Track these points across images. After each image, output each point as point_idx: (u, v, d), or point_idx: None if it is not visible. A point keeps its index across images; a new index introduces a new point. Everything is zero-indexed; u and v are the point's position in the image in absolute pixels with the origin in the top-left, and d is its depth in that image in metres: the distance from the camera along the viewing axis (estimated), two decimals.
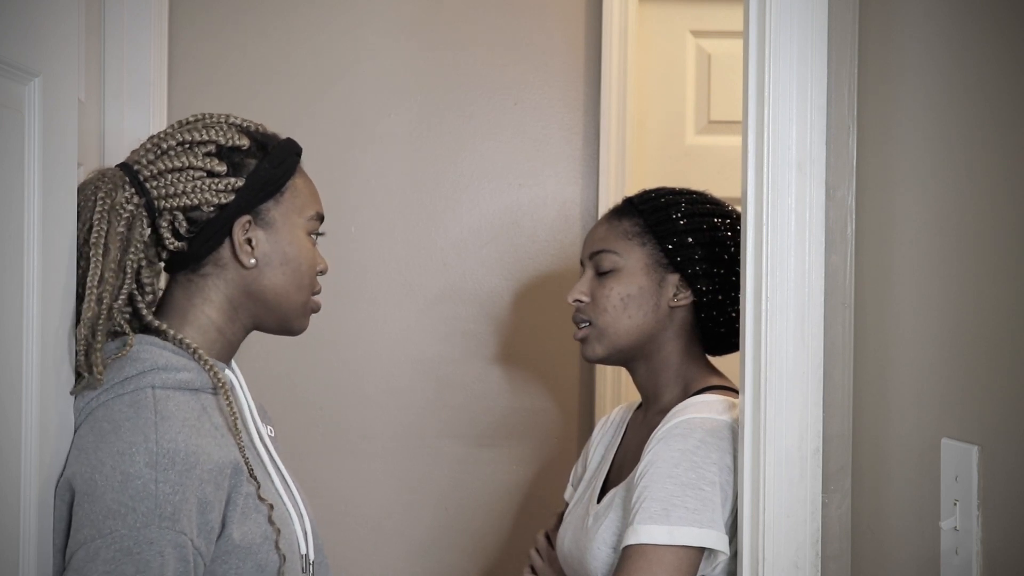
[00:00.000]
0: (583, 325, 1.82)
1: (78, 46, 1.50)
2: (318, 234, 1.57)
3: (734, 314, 1.79)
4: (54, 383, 1.36)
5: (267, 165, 1.50)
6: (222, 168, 1.48)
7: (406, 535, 2.50)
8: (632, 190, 2.55)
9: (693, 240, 1.78)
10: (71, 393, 1.40)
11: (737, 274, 1.77)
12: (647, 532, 1.61)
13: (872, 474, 1.42)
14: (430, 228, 2.49)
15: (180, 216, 1.47)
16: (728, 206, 1.85)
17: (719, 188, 2.88)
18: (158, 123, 2.20)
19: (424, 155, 2.49)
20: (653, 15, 2.91)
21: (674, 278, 1.79)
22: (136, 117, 2.13)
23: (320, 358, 2.45)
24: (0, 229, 1.25)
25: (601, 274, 1.81)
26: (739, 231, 1.77)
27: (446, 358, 2.50)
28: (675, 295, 1.79)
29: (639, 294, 1.78)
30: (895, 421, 1.35)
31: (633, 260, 1.79)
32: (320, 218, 1.57)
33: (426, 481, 2.50)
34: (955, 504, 1.17)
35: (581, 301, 1.82)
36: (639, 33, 2.76)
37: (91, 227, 1.42)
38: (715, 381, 1.79)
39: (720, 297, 1.78)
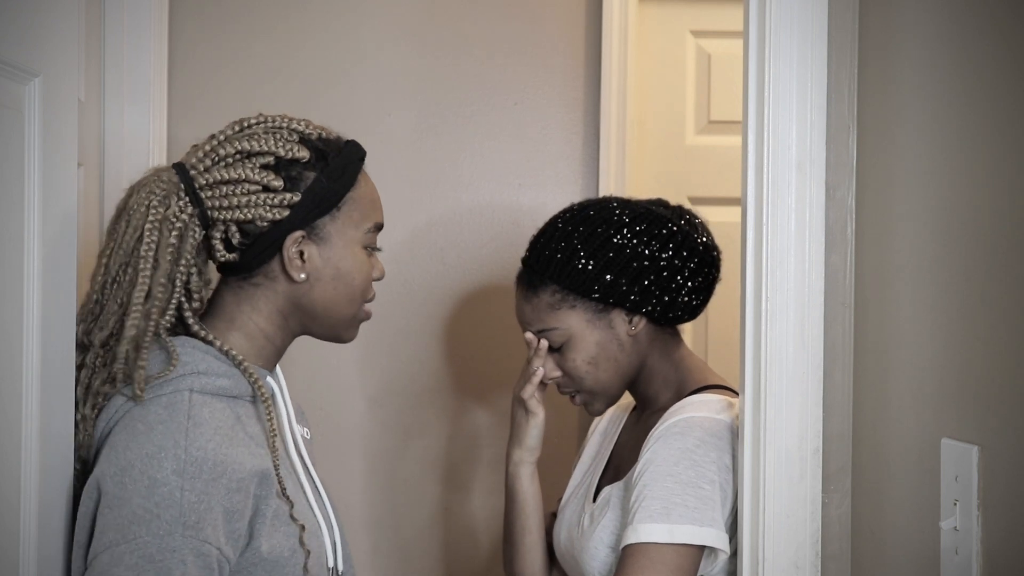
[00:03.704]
0: (571, 395, 1.84)
1: (78, 46, 1.50)
2: (375, 248, 1.54)
3: (687, 297, 1.78)
4: (54, 383, 1.36)
5: (325, 180, 1.47)
6: (278, 183, 1.44)
7: (405, 534, 2.50)
8: (632, 190, 2.55)
9: (612, 276, 1.75)
10: (109, 392, 1.40)
11: (665, 266, 1.76)
12: (647, 531, 1.61)
13: (872, 474, 1.42)
14: (430, 228, 2.49)
15: (233, 228, 1.45)
16: (617, 211, 1.79)
17: (719, 188, 2.91)
18: (158, 123, 2.20)
19: (424, 155, 2.49)
20: (653, 15, 2.91)
21: (618, 312, 1.78)
22: (136, 117, 2.14)
23: (320, 358, 2.45)
24: (0, 229, 1.25)
25: (554, 348, 1.80)
26: (640, 230, 1.76)
27: (445, 357, 2.50)
28: (629, 324, 1.78)
29: (599, 349, 1.78)
30: (895, 421, 1.35)
31: (574, 324, 1.77)
32: (378, 228, 1.54)
33: (425, 480, 2.50)
34: (955, 504, 1.17)
35: (557, 378, 1.82)
36: (639, 33, 2.76)
37: (141, 236, 1.40)
38: (708, 380, 1.79)
39: (667, 298, 1.77)
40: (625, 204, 1.81)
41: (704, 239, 1.81)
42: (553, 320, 1.78)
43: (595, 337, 1.77)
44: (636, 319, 1.78)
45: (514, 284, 1.86)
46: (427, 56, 2.48)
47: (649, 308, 1.77)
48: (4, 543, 1.26)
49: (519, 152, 2.50)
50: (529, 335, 1.82)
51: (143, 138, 2.14)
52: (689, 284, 1.77)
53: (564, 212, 1.83)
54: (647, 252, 1.75)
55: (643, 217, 1.78)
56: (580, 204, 1.84)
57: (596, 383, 1.80)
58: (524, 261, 1.84)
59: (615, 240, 1.76)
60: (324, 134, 1.51)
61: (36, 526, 1.32)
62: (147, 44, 2.15)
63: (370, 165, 2.48)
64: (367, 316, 1.56)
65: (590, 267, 1.75)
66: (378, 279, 1.55)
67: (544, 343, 1.81)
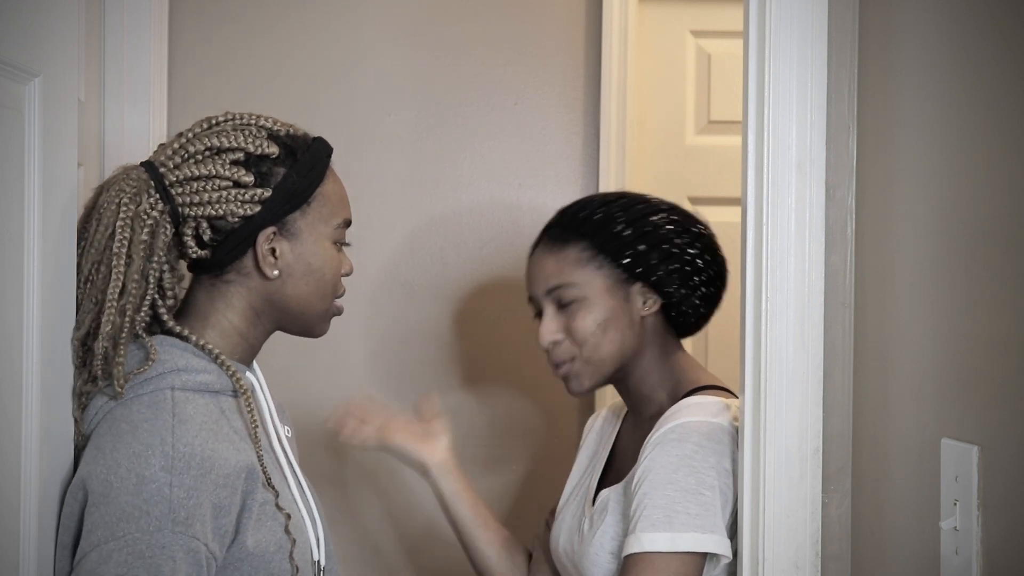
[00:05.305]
0: (562, 364, 1.79)
1: (78, 46, 1.50)
2: (344, 243, 1.55)
3: (697, 300, 1.79)
4: (55, 382, 1.36)
5: (295, 175, 1.47)
6: (249, 179, 1.45)
7: (404, 534, 2.50)
8: (632, 190, 2.55)
9: (645, 246, 1.75)
10: (91, 391, 1.40)
11: (690, 261, 1.77)
12: (650, 540, 1.60)
13: (872, 474, 1.42)
14: (430, 228, 2.49)
15: (204, 224, 1.45)
16: (654, 199, 1.83)
17: (719, 188, 2.91)
18: (158, 123, 2.20)
19: (424, 155, 2.49)
20: (653, 15, 2.91)
21: (637, 288, 1.77)
22: (136, 117, 2.13)
23: (320, 358, 2.45)
24: (0, 229, 1.25)
25: (564, 306, 1.77)
26: (676, 220, 1.79)
27: (445, 357, 2.50)
28: (644, 304, 1.78)
29: (612, 316, 1.76)
30: (895, 421, 1.35)
31: (595, 285, 1.76)
32: (347, 224, 1.54)
33: (423, 480, 2.50)
34: (955, 504, 1.17)
35: (557, 341, 1.78)
36: (639, 33, 2.77)
37: (113, 233, 1.41)
38: (702, 380, 1.78)
39: (684, 291, 1.78)
40: (660, 199, 1.84)
41: (721, 253, 1.83)
42: (575, 275, 1.76)
43: (610, 304, 1.76)
44: (651, 302, 1.78)
45: (528, 252, 1.84)
46: (427, 56, 2.48)
47: (669, 290, 1.77)
48: (4, 543, 1.26)
49: (519, 152, 2.50)
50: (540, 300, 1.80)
51: (143, 138, 2.14)
52: (703, 289, 1.79)
53: (601, 193, 1.87)
54: (678, 241, 1.77)
55: (679, 210, 1.82)
56: (615, 191, 1.88)
57: (596, 351, 1.76)
58: (552, 223, 1.83)
59: (652, 218, 1.78)
60: (292, 131, 1.52)
61: (36, 526, 1.32)
62: (147, 44, 2.15)
63: (370, 165, 2.48)
64: (339, 311, 1.58)
65: (627, 233, 1.76)
66: (347, 274, 1.56)
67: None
